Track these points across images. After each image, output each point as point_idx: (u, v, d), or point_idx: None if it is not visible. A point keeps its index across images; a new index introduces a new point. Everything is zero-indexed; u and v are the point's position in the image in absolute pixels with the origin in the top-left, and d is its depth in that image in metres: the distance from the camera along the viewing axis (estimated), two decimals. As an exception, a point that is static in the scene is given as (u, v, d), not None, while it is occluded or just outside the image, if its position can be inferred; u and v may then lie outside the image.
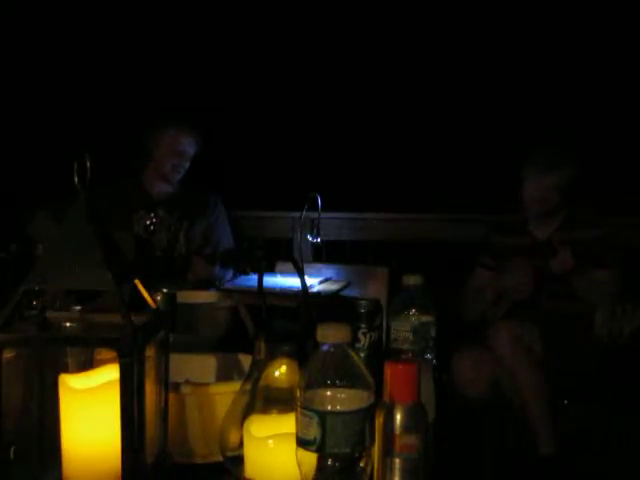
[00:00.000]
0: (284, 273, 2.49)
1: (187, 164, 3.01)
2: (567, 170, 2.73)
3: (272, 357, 1.06)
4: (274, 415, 1.03)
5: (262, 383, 1.05)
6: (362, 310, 1.51)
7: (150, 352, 1.03)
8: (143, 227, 2.95)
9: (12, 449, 1.00)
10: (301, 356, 1.02)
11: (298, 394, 0.92)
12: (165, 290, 1.83)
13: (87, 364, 1.05)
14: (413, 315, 1.52)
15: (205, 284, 2.72)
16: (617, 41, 3.75)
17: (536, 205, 2.76)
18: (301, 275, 1.39)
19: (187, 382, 1.23)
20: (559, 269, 2.64)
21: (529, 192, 2.76)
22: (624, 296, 2.66)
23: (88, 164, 0.97)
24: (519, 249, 2.79)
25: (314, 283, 2.40)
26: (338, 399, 0.91)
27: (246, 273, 2.56)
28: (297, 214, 2.52)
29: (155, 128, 3.00)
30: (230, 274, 2.91)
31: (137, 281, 1.05)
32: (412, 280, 1.54)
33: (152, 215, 2.96)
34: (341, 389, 0.91)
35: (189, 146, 2.99)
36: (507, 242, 2.86)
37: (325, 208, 2.52)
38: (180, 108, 3.31)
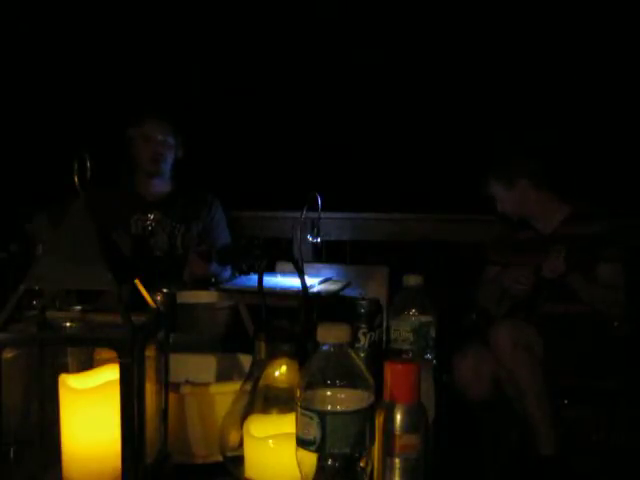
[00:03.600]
0: (284, 273, 2.48)
1: (168, 154, 2.97)
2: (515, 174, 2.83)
3: (272, 357, 1.05)
4: (274, 415, 1.03)
5: (262, 383, 1.05)
6: (362, 310, 1.51)
7: (150, 352, 1.03)
8: (140, 229, 2.95)
9: (12, 449, 1.00)
10: (301, 356, 1.02)
11: (298, 394, 0.92)
12: (165, 290, 1.83)
13: (87, 364, 1.05)
14: (413, 315, 1.52)
15: (202, 283, 2.71)
16: (618, 39, 3.75)
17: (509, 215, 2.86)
18: (301, 275, 1.39)
19: (187, 382, 1.23)
20: (550, 275, 2.64)
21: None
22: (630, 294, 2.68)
23: (88, 164, 0.97)
24: (524, 245, 2.80)
25: (314, 283, 2.39)
26: (338, 399, 0.91)
27: (245, 272, 2.56)
28: (297, 214, 2.52)
29: (130, 123, 3.00)
30: (228, 272, 2.90)
31: (137, 281, 1.05)
32: (412, 280, 1.54)
33: (149, 217, 2.95)
34: (341, 389, 0.91)
35: (165, 134, 2.95)
36: (515, 237, 2.88)
37: (325, 208, 2.52)
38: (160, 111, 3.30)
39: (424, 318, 1.52)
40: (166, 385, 1.08)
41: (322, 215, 2.55)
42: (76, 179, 0.97)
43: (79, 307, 1.06)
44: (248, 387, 1.07)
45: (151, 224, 2.95)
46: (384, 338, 1.57)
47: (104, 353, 1.02)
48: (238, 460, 1.03)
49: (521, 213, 2.85)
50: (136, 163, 3.01)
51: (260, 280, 1.40)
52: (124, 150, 3.02)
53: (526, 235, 2.85)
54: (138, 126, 2.97)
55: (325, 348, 0.93)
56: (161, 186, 3.03)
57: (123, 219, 2.91)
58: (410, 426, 0.95)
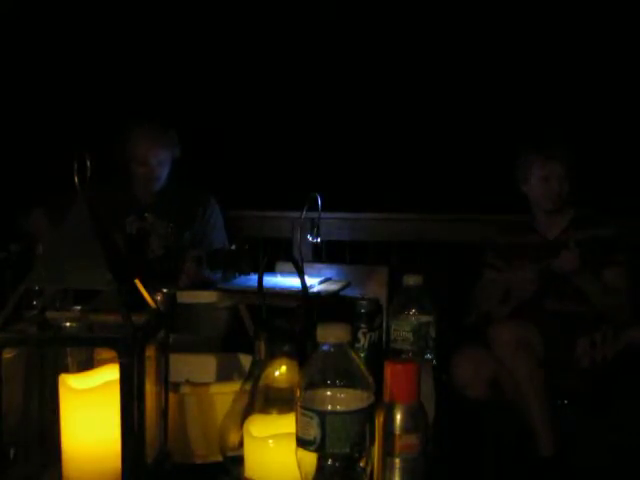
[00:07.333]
0: (284, 273, 2.49)
1: (163, 170, 2.94)
2: (568, 158, 2.74)
3: (272, 357, 1.06)
4: (274, 415, 1.03)
5: (262, 383, 1.05)
6: (362, 310, 1.51)
7: (150, 352, 1.03)
8: (135, 231, 2.93)
9: (12, 449, 1.00)
10: (301, 356, 1.02)
11: (298, 394, 0.92)
12: (165, 290, 1.83)
13: (87, 364, 1.05)
14: (413, 315, 1.52)
15: (199, 287, 2.70)
16: (621, 41, 3.75)
17: (550, 199, 2.76)
18: (301, 275, 1.39)
19: (187, 382, 1.23)
20: (561, 269, 2.64)
21: (540, 186, 2.76)
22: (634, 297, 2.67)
23: (88, 164, 0.97)
24: (528, 249, 2.78)
25: (314, 283, 2.39)
26: (338, 399, 0.91)
27: (246, 273, 2.55)
28: (297, 214, 2.52)
29: (125, 139, 2.93)
30: (219, 276, 2.87)
31: (137, 281, 1.05)
32: (412, 280, 1.54)
33: (143, 218, 2.94)
34: (341, 389, 0.91)
35: (157, 155, 2.90)
36: (515, 242, 2.85)
37: (325, 208, 2.52)
38: (159, 110, 3.25)
39: (424, 318, 1.52)
40: (166, 385, 1.09)
41: (322, 215, 2.55)
42: (76, 179, 0.97)
43: (79, 307, 1.06)
44: (248, 387, 1.07)
45: (146, 225, 2.93)
46: (384, 338, 1.57)
47: (104, 353, 1.03)
48: (238, 460, 1.03)
49: (561, 202, 2.79)
50: (132, 167, 2.98)
51: (260, 280, 1.40)
52: (120, 151, 3.00)
53: (529, 239, 2.83)
54: (132, 148, 2.90)
55: (325, 348, 0.93)
56: (157, 187, 3.00)
57: (119, 220, 2.90)
58: (410, 426, 0.95)
